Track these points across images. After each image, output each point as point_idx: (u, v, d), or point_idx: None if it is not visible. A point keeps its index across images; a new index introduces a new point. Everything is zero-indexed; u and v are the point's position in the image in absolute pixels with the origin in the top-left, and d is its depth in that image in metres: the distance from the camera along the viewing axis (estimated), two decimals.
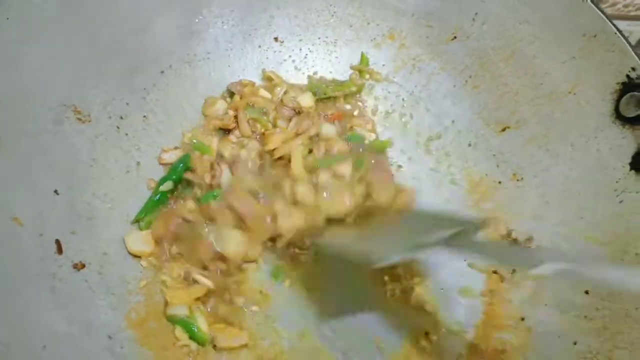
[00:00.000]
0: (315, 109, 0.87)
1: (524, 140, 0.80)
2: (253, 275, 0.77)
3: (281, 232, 0.72)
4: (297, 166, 0.77)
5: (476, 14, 0.82)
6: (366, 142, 0.87)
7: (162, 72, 0.83)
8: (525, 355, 0.69)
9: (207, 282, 0.71)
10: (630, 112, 0.67)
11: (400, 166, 0.88)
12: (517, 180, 0.81)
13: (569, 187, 0.74)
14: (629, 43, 0.66)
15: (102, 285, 0.67)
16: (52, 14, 0.66)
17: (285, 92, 0.88)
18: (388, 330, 0.74)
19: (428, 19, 0.88)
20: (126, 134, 0.77)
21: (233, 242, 0.71)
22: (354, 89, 0.91)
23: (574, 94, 0.73)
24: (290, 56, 0.94)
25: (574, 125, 0.74)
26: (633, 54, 0.66)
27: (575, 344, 0.65)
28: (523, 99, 0.80)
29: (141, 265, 0.72)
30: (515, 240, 0.77)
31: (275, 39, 0.92)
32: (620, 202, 0.68)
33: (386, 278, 0.77)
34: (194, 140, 0.83)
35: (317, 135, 0.83)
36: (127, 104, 0.78)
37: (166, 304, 0.70)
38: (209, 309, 0.71)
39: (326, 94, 0.89)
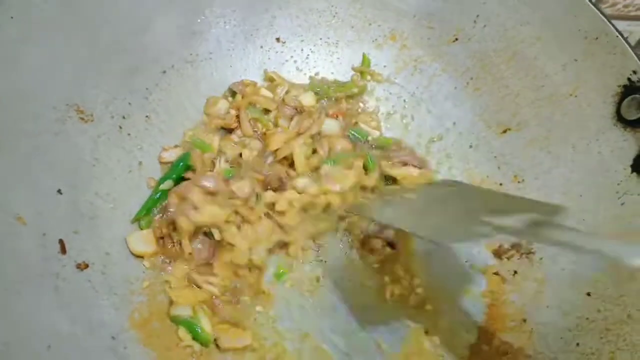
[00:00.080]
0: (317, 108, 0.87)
1: (525, 142, 0.80)
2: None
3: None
4: (300, 167, 0.77)
5: (477, 15, 0.82)
6: (369, 138, 0.87)
7: (164, 72, 0.83)
8: (527, 356, 0.69)
9: (213, 290, 0.71)
10: (632, 115, 0.67)
11: None
12: (518, 182, 0.81)
13: (570, 189, 0.74)
14: (629, 44, 0.67)
15: (105, 286, 0.67)
16: (52, 14, 0.66)
17: (287, 91, 0.88)
18: (388, 330, 0.74)
19: (429, 20, 0.88)
20: (128, 134, 0.77)
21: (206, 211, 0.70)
22: (355, 90, 0.91)
23: (575, 96, 0.74)
24: (292, 57, 0.94)
25: (575, 128, 0.74)
26: (634, 56, 0.66)
27: (577, 345, 0.65)
28: (524, 101, 0.80)
29: (144, 265, 0.72)
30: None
31: (277, 39, 0.92)
32: (622, 204, 0.68)
33: (386, 278, 0.78)
34: (195, 138, 0.83)
35: (319, 133, 0.83)
36: (129, 103, 0.77)
37: (171, 303, 0.70)
38: (213, 309, 0.71)
39: (328, 96, 0.89)
